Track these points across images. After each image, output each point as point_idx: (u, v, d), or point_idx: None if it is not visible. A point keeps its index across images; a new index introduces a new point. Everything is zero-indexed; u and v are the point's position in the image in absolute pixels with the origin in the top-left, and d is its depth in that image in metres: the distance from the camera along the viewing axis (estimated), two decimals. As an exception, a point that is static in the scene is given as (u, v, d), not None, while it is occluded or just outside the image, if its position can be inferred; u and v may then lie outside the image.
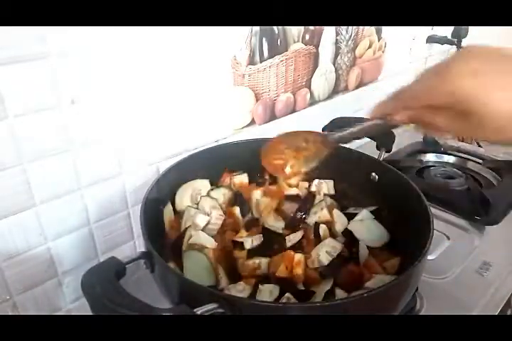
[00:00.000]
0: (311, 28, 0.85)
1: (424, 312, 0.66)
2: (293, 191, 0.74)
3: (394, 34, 1.08)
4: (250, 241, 0.63)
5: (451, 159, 1.10)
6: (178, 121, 0.70)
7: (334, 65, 0.96)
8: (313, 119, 0.84)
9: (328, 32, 0.90)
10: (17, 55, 0.49)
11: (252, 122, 0.84)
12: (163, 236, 0.64)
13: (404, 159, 1.07)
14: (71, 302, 0.70)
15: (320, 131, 0.67)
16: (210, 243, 0.62)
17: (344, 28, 0.93)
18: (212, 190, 0.71)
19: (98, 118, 0.59)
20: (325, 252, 0.61)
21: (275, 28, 0.78)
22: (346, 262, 0.61)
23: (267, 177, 0.76)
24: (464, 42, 1.25)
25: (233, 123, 0.81)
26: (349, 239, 0.67)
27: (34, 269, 0.62)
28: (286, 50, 0.83)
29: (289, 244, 0.64)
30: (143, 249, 0.55)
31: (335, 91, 1.01)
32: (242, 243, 0.64)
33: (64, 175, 0.59)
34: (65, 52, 0.52)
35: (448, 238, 0.83)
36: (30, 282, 0.62)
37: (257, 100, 0.83)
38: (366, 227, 0.68)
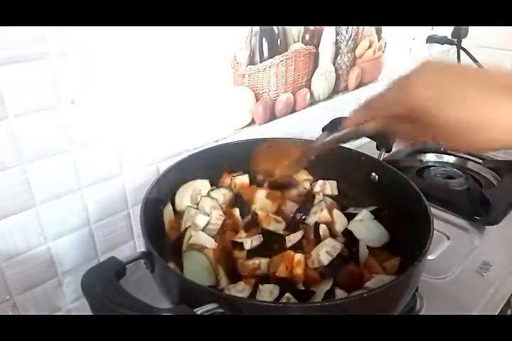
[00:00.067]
0: (311, 28, 0.85)
1: (424, 312, 0.66)
2: (294, 191, 0.74)
3: (394, 34, 1.08)
4: (250, 242, 0.63)
5: (451, 159, 1.10)
6: (178, 121, 0.70)
7: (334, 65, 0.96)
8: (313, 119, 0.84)
9: (328, 32, 0.90)
10: (17, 55, 0.49)
11: (252, 122, 0.84)
12: (163, 236, 0.64)
13: (404, 159, 1.07)
14: (71, 302, 0.70)
15: (320, 131, 0.67)
16: (210, 243, 0.62)
17: (344, 28, 0.93)
18: (212, 190, 0.71)
19: (98, 118, 0.59)
20: (325, 252, 0.61)
21: (275, 28, 0.78)
22: (346, 262, 0.61)
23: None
24: (464, 43, 1.25)
25: (233, 123, 0.81)
26: (349, 239, 0.66)
27: (34, 269, 0.62)
28: (286, 50, 0.83)
29: (289, 244, 0.64)
30: (143, 249, 0.55)
31: (335, 91, 1.01)
32: (241, 243, 0.63)
33: (64, 175, 0.59)
34: (65, 52, 0.52)
35: (448, 238, 0.83)
36: (30, 282, 0.62)
37: (257, 100, 0.83)
38: (366, 227, 0.68)
